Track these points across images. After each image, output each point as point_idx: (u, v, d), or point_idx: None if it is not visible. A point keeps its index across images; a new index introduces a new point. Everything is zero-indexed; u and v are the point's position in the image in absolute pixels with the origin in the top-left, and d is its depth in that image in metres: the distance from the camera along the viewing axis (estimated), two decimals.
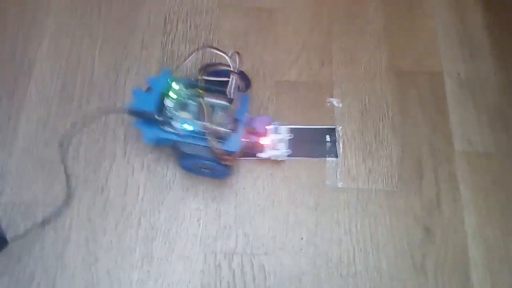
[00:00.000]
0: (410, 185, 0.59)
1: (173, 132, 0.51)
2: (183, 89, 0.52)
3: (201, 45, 0.50)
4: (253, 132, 0.55)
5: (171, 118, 0.51)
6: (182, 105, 0.52)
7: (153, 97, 0.51)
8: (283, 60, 0.64)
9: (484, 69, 0.66)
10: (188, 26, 0.64)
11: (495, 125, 0.63)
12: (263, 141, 0.56)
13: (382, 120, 0.62)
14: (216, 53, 0.52)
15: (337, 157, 0.59)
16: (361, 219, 0.56)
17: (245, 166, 0.57)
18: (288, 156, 0.57)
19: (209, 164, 0.52)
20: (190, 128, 0.50)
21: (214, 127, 0.50)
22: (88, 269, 0.51)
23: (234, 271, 0.53)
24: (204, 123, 0.50)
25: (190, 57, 0.50)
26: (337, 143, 0.60)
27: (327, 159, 0.59)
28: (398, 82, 0.64)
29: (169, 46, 0.63)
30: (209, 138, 0.49)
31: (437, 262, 0.55)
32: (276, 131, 0.57)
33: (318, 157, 0.59)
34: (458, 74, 0.66)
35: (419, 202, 0.58)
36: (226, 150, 0.50)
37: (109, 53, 0.62)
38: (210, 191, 0.56)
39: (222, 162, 0.51)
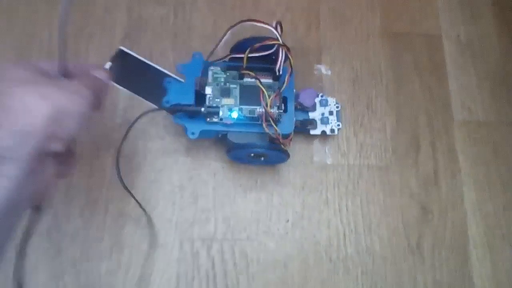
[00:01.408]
0: (406, 160, 0.54)
1: (219, 123, 0.46)
2: (221, 72, 0.47)
3: (238, 20, 0.43)
4: (301, 107, 0.50)
5: (217, 107, 0.46)
6: (223, 91, 0.47)
7: (189, 86, 0.46)
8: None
9: (486, 30, 0.61)
10: None
11: (497, 92, 0.58)
12: (313, 116, 0.51)
13: (375, 89, 0.56)
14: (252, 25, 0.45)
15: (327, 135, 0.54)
16: (352, 198, 0.52)
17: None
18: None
19: (264, 152, 0.46)
20: (236, 115, 0.46)
21: (270, 110, 0.45)
22: (51, 261, 0.46)
23: (213, 258, 0.48)
24: (260, 107, 0.46)
25: (226, 35, 0.43)
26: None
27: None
28: (393, 45, 0.58)
29: (136, 8, 0.56)
30: (265, 123, 0.45)
31: (434, 242, 0.51)
32: (323, 104, 0.52)
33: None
34: (458, 36, 0.60)
35: (415, 178, 0.53)
36: (281, 133, 0.45)
37: (69, 18, 0.54)
38: (185, 172, 0.51)
39: (279, 147, 0.46)
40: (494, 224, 0.52)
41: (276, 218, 0.50)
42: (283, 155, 0.47)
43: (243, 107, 0.46)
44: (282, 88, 0.46)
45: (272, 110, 0.45)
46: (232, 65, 0.48)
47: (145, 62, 0.53)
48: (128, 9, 0.55)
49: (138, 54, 0.53)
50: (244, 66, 0.46)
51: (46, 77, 0.31)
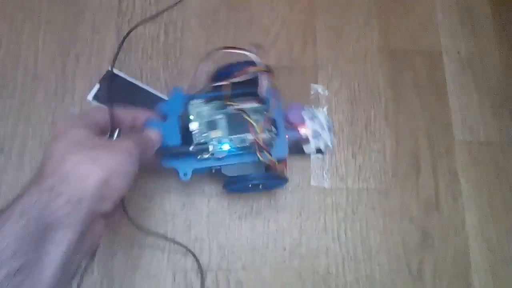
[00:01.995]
0: (406, 183, 0.52)
1: (211, 158, 0.44)
2: (204, 104, 0.45)
3: (211, 48, 0.40)
4: (291, 126, 0.48)
5: (205, 143, 0.43)
6: (209, 124, 0.44)
7: (173, 126, 0.42)
8: (260, 41, 0.56)
9: (487, 46, 0.59)
10: (148, 3, 0.55)
11: (499, 110, 0.56)
12: (304, 132, 0.48)
13: (374, 108, 0.55)
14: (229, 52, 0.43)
15: (323, 153, 0.52)
16: (351, 224, 0.50)
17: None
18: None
19: (261, 181, 0.44)
20: (228, 147, 0.43)
21: (260, 136, 0.43)
22: None
23: None
24: (250, 135, 0.43)
25: (202, 66, 0.41)
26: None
27: (312, 155, 0.52)
28: (392, 63, 0.57)
29: (126, 28, 0.53)
30: (258, 152, 0.43)
31: (435, 268, 0.49)
32: (313, 118, 0.49)
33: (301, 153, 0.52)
34: (458, 52, 0.58)
35: (415, 202, 0.52)
36: (276, 158, 0.43)
37: (55, 39, 0.52)
38: (178, 199, 0.49)
39: (276, 173, 0.44)
40: (497, 249, 0.51)
41: (273, 246, 0.48)
42: (282, 181, 0.46)
43: (233, 137, 0.44)
44: (270, 113, 0.44)
45: (263, 136, 0.43)
46: (215, 95, 0.45)
47: (135, 84, 0.51)
48: (117, 28, 0.53)
49: (128, 75, 0.51)
50: (227, 98, 0.44)
51: (98, 135, 0.34)
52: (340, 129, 0.53)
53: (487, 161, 0.54)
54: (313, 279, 0.48)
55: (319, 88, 0.55)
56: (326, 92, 0.54)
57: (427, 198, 0.52)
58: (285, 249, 0.48)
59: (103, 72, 0.51)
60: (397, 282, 0.49)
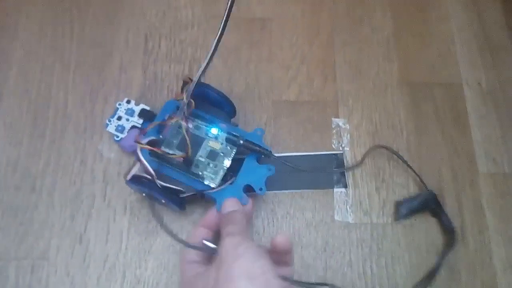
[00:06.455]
0: (430, 216, 0.52)
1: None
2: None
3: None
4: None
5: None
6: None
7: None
8: (281, 77, 0.57)
9: (508, 76, 0.59)
10: (173, 43, 0.57)
11: None
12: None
13: (396, 141, 0.55)
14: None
15: (346, 187, 0.52)
16: (376, 259, 0.50)
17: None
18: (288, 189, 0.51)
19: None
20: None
21: None
22: None
23: None
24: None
25: None
26: (345, 171, 0.53)
27: (335, 190, 0.52)
28: (412, 96, 0.57)
29: (152, 67, 0.55)
30: None
31: None
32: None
33: (324, 188, 0.52)
34: (479, 83, 0.59)
35: (441, 236, 0.51)
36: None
37: (84, 80, 0.54)
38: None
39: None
40: None
41: None
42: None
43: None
44: None
45: None
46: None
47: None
48: (143, 68, 0.55)
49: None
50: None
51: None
52: (363, 163, 0.53)
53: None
54: None
55: (340, 122, 0.55)
56: (348, 126, 0.55)
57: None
58: None
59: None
60: None
